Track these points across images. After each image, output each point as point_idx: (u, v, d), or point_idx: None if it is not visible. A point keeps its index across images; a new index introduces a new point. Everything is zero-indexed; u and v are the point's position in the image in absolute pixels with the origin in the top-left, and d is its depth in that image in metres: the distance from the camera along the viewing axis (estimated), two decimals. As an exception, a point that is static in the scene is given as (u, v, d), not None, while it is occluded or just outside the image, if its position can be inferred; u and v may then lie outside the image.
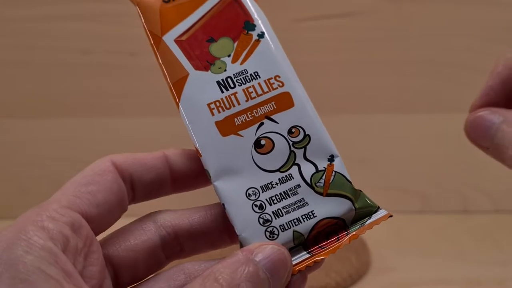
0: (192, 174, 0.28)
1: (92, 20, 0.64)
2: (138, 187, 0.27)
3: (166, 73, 0.29)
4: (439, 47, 0.64)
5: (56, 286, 0.19)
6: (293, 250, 0.26)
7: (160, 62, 0.29)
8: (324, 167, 0.27)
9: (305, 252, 0.26)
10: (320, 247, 0.27)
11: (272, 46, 0.30)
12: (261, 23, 0.30)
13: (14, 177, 0.67)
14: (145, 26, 0.31)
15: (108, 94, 0.65)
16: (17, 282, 0.19)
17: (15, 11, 0.63)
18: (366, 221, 0.27)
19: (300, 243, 0.27)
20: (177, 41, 0.29)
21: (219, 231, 0.28)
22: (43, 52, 0.64)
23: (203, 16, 0.30)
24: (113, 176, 0.25)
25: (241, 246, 0.26)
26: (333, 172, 0.27)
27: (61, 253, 0.21)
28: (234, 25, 0.29)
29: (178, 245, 0.27)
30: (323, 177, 0.27)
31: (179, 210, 0.28)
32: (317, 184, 0.27)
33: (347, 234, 0.27)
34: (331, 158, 0.28)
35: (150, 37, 0.30)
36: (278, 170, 0.27)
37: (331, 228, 0.27)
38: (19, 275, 0.19)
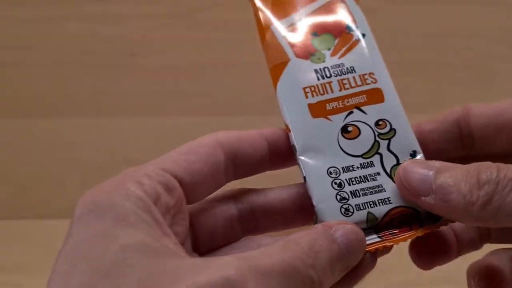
0: (287, 151, 0.29)
1: (93, 21, 0.64)
2: (240, 162, 0.28)
3: (268, 57, 0.32)
4: (439, 47, 0.64)
5: (148, 228, 0.22)
6: (365, 232, 0.27)
7: (265, 46, 0.32)
8: (405, 161, 0.28)
9: (376, 235, 0.27)
10: (391, 233, 0.27)
11: (370, 47, 0.33)
12: (362, 26, 0.34)
13: (15, 177, 0.67)
14: (257, 14, 0.33)
15: (109, 94, 0.65)
16: (119, 220, 0.22)
17: (16, 11, 0.63)
18: (441, 218, 0.27)
19: (373, 226, 0.27)
20: (284, 31, 0.32)
21: (293, 210, 0.29)
22: (44, 52, 0.64)
23: (311, 12, 0.32)
24: (212, 150, 0.27)
25: (316, 218, 0.27)
26: None
27: (152, 205, 0.23)
28: (338, 24, 0.32)
29: (254, 220, 0.29)
30: None
31: (257, 188, 0.30)
32: None
33: (420, 226, 0.27)
34: (414, 154, 0.29)
35: (261, 23, 0.33)
36: (361, 156, 0.28)
37: (405, 218, 0.27)
38: (120, 215, 0.22)
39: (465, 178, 0.25)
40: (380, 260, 0.29)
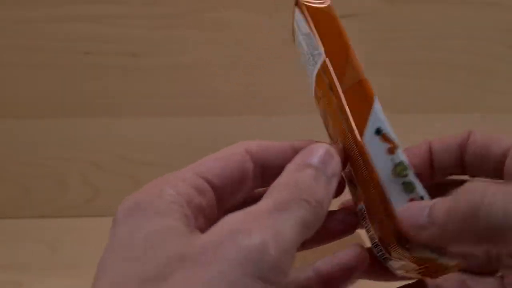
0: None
1: (94, 21, 0.64)
2: (268, 172, 0.30)
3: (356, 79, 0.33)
4: (438, 48, 0.64)
5: (179, 218, 0.25)
6: None
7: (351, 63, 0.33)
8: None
9: None
10: None
11: None
12: None
13: (17, 177, 0.67)
14: (339, 24, 0.35)
15: (110, 95, 0.65)
16: (152, 215, 0.25)
17: (17, 12, 0.64)
18: None
19: None
20: None
21: None
22: (45, 53, 0.64)
23: None
24: (241, 158, 0.29)
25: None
26: None
27: (185, 204, 0.26)
28: None
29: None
30: None
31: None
32: None
33: None
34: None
35: (345, 34, 0.35)
36: None
37: None
38: (153, 211, 0.25)
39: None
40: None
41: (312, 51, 0.33)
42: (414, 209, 0.27)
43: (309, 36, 0.33)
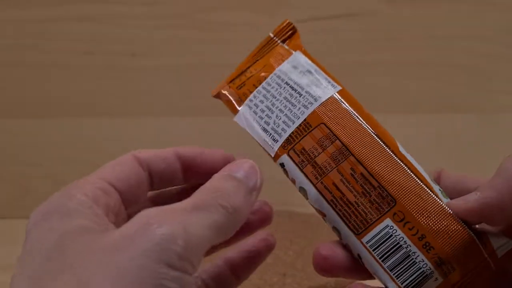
0: (200, 167, 0.33)
1: (94, 21, 0.64)
2: (155, 175, 0.32)
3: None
4: (438, 48, 0.64)
5: (89, 217, 0.26)
6: None
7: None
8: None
9: None
10: None
11: None
12: None
13: (16, 177, 0.67)
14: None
15: (110, 95, 0.65)
16: (63, 217, 0.26)
17: (17, 12, 0.64)
18: None
19: None
20: None
21: None
22: (45, 53, 0.64)
23: None
24: (133, 162, 0.31)
25: None
26: None
27: (93, 203, 0.27)
28: None
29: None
30: None
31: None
32: None
33: None
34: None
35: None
36: None
37: None
38: (64, 214, 0.26)
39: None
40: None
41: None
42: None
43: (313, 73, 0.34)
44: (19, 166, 0.67)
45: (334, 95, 0.33)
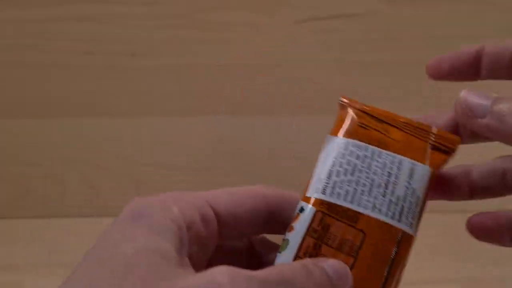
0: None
1: (94, 21, 0.64)
2: (278, 219, 0.29)
3: None
4: (438, 48, 0.64)
5: (169, 246, 0.24)
6: None
7: None
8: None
9: None
10: None
11: None
12: None
13: (17, 177, 0.67)
14: None
15: (110, 95, 0.65)
16: (149, 229, 0.24)
17: (17, 12, 0.64)
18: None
19: None
20: None
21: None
22: (44, 52, 0.64)
23: None
24: (256, 199, 0.28)
25: None
26: None
27: (184, 227, 0.25)
28: None
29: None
30: None
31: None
32: None
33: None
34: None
35: None
36: None
37: None
38: (152, 225, 0.24)
39: None
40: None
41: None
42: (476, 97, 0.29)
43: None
44: (19, 166, 0.67)
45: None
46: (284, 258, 0.28)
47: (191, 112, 0.66)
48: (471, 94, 0.30)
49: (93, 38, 0.64)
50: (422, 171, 0.30)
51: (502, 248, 0.61)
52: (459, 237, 0.62)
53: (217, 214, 0.27)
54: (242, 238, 0.30)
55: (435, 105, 0.65)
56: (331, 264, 0.26)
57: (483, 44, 0.33)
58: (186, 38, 0.64)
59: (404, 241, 0.29)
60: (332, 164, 0.29)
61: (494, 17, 0.63)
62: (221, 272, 0.23)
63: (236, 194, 0.28)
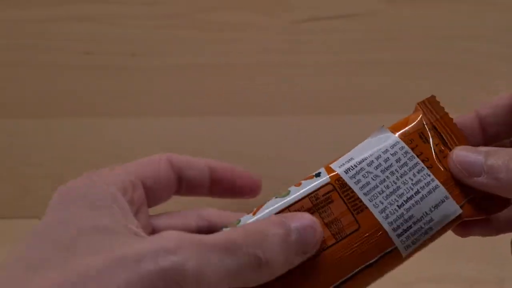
0: (227, 184, 0.33)
1: (93, 21, 0.64)
2: (184, 180, 0.32)
3: None
4: (438, 48, 0.64)
5: (113, 214, 0.25)
6: None
7: None
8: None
9: None
10: None
11: None
12: None
13: (16, 177, 0.67)
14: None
15: (109, 95, 0.65)
16: (86, 207, 0.25)
17: (16, 12, 0.64)
18: None
19: None
20: None
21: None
22: (44, 53, 0.64)
23: None
24: (165, 163, 0.31)
25: None
26: None
27: (120, 195, 0.27)
28: None
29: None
30: None
31: (222, 210, 0.33)
32: None
33: None
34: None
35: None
36: None
37: None
38: (88, 203, 0.26)
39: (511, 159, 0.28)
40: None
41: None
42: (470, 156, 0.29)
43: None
44: (19, 166, 0.67)
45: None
46: (278, 205, 0.28)
47: (191, 112, 0.66)
48: (463, 152, 0.30)
49: (93, 38, 0.64)
50: (451, 209, 0.29)
51: (502, 248, 0.61)
52: (459, 237, 0.63)
53: (140, 179, 0.30)
54: (165, 199, 0.32)
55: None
56: (298, 226, 0.26)
57: None
58: (186, 38, 0.64)
59: (391, 257, 0.28)
60: (370, 154, 0.29)
61: (494, 17, 0.63)
62: (169, 237, 0.23)
63: (148, 162, 0.31)
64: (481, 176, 0.29)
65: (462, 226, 0.31)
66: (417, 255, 0.61)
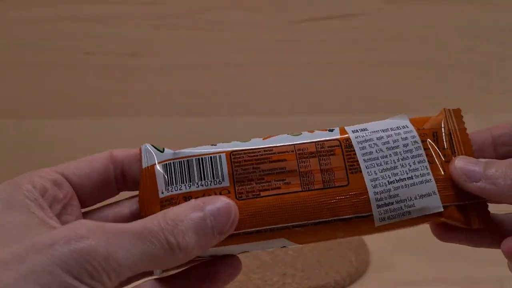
0: None
1: (94, 21, 0.64)
2: (128, 175, 0.32)
3: None
4: (438, 48, 0.64)
5: (31, 211, 0.27)
6: None
7: None
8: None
9: None
10: None
11: None
12: None
13: (16, 177, 0.67)
14: None
15: (110, 95, 0.66)
16: (5, 207, 0.27)
17: (16, 12, 0.64)
18: None
19: None
20: None
21: None
22: (44, 53, 0.64)
23: None
24: (104, 159, 0.31)
25: None
26: None
27: (39, 196, 0.28)
28: None
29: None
30: None
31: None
32: None
33: None
34: None
35: None
36: None
37: None
38: (6, 204, 0.27)
39: (509, 168, 0.29)
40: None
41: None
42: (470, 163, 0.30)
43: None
44: (19, 166, 0.67)
45: None
46: (287, 140, 0.32)
47: (190, 112, 0.66)
48: (465, 161, 0.31)
49: (93, 38, 0.64)
50: (434, 205, 0.30)
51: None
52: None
53: (66, 178, 0.30)
54: (104, 198, 0.32)
55: (435, 105, 0.65)
56: (213, 208, 0.27)
57: None
58: (186, 38, 0.64)
59: (363, 222, 0.30)
60: (383, 130, 0.31)
61: (494, 17, 0.63)
62: (80, 225, 0.25)
63: (83, 160, 0.32)
64: (480, 181, 0.30)
65: (443, 229, 0.32)
66: (417, 255, 0.61)
